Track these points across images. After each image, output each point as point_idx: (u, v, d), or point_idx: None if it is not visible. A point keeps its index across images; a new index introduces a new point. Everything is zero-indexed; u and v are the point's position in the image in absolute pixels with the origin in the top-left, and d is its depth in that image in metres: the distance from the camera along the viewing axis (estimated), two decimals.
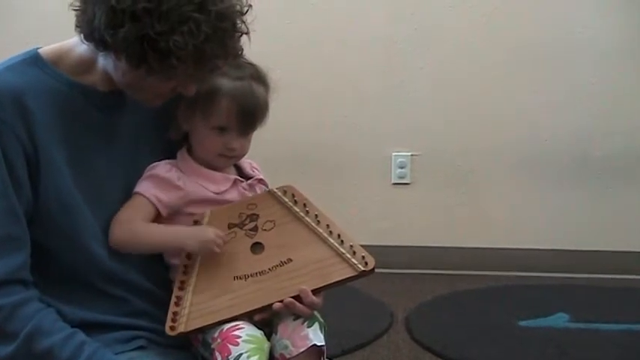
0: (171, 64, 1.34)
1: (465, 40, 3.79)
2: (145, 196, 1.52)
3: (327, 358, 1.48)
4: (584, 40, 3.76)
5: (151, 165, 1.56)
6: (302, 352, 1.43)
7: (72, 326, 1.48)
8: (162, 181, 1.53)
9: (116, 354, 1.47)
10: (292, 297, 1.44)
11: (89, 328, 1.48)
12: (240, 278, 1.49)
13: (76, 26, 1.39)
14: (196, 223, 1.54)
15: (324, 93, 3.83)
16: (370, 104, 3.84)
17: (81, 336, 1.43)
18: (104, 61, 1.43)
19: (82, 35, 1.39)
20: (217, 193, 1.57)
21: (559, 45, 3.76)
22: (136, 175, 1.55)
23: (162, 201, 1.52)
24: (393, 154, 3.85)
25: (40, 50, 1.48)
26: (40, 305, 1.42)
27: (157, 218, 1.53)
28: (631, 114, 3.79)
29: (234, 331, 1.42)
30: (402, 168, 3.85)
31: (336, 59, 3.84)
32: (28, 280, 1.43)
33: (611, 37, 3.76)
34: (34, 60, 1.46)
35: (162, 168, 1.55)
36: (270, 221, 1.55)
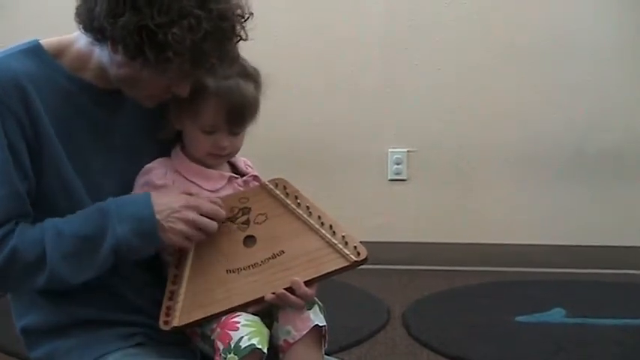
0: (167, 57, 1.33)
1: (460, 37, 3.79)
2: None
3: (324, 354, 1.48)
4: (579, 37, 3.76)
5: (145, 168, 1.54)
6: (305, 334, 1.43)
7: (70, 324, 1.49)
8: (158, 190, 1.51)
9: (115, 350, 1.48)
10: (285, 288, 1.43)
11: (87, 324, 1.49)
12: (233, 271, 1.48)
13: (76, 15, 1.39)
14: None
15: (320, 90, 3.82)
16: (366, 101, 3.84)
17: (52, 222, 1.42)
18: (100, 55, 1.42)
19: (80, 26, 1.39)
20: (213, 191, 1.55)
21: (554, 42, 3.77)
22: (133, 174, 1.53)
23: None
24: (390, 150, 3.85)
25: (41, 41, 1.47)
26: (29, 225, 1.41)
27: None
28: (626, 110, 3.80)
29: (232, 318, 1.42)
30: (398, 164, 3.85)
31: (332, 56, 3.84)
32: None
33: (606, 35, 3.76)
34: (35, 50, 1.46)
35: (156, 174, 1.53)
36: (262, 214, 1.55)
